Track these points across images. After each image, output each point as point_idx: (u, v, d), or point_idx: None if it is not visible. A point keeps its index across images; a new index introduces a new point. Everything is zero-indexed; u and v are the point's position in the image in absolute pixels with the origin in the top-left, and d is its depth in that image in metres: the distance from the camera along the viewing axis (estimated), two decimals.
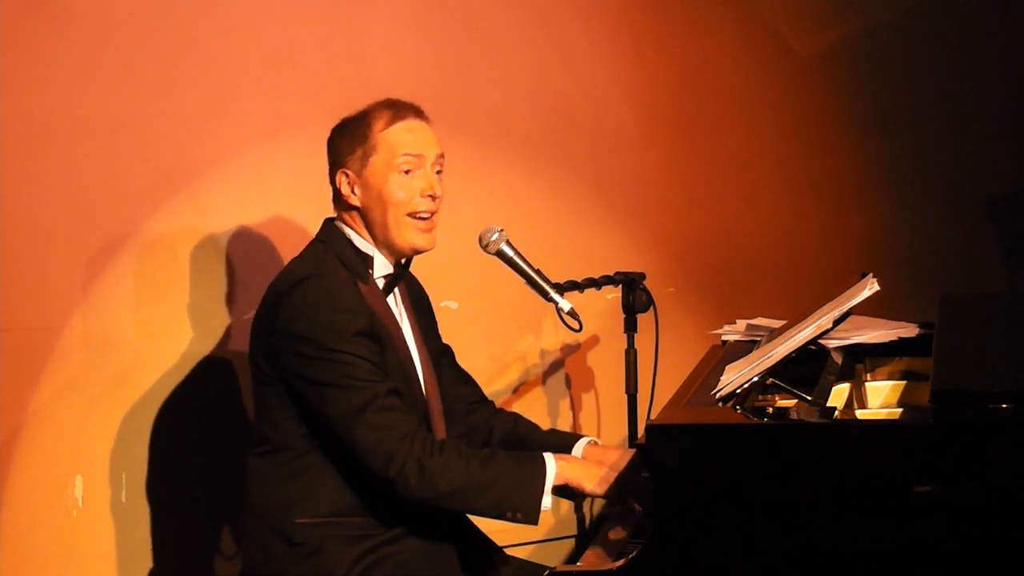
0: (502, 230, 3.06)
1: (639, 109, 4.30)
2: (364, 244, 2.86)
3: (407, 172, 2.83)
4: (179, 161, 3.59)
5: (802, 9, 4.52)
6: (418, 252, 2.89)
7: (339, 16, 3.82)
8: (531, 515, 2.67)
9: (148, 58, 3.53)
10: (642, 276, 3.60)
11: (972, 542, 2.31)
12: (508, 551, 3.05)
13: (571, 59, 4.19)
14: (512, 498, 2.67)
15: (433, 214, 2.85)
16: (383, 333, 2.79)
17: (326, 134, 2.91)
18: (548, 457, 2.72)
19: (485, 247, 3.07)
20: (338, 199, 2.89)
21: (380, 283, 2.87)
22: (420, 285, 3.08)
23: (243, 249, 3.63)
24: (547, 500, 2.68)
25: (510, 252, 3.07)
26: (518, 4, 4.11)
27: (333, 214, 2.92)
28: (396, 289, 2.92)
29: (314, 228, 2.93)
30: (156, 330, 3.56)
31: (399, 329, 2.88)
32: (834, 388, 2.76)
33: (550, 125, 4.17)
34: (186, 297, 3.58)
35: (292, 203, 3.67)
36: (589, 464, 2.78)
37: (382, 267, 2.87)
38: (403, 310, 2.95)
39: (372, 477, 2.69)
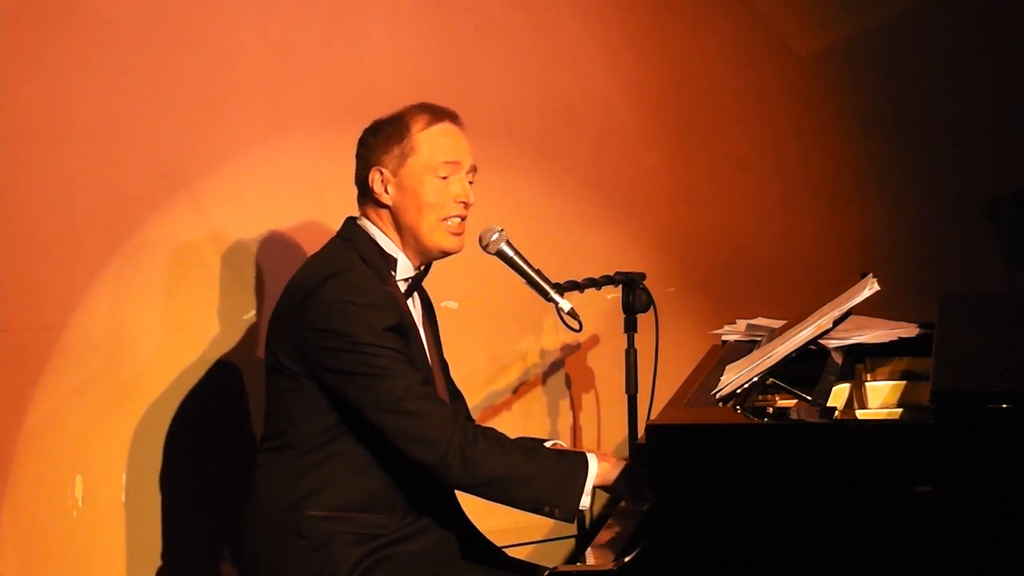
0: (502, 230, 3.06)
1: (639, 109, 4.30)
2: (389, 245, 2.87)
3: (444, 178, 2.84)
4: (179, 161, 3.59)
5: (802, 9, 4.52)
6: (446, 255, 2.90)
7: (339, 16, 3.82)
8: (568, 512, 2.69)
9: (148, 58, 3.53)
10: (642, 276, 3.60)
11: (972, 542, 2.31)
12: (508, 551, 3.04)
13: (571, 59, 4.19)
14: (551, 493, 2.68)
15: (463, 220, 2.87)
16: (409, 328, 2.81)
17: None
18: (591, 457, 2.72)
19: (485, 247, 3.07)
20: (367, 197, 2.88)
21: (402, 286, 2.88)
22: (428, 295, 3.08)
23: (243, 249, 3.63)
24: (586, 500, 2.69)
25: (510, 252, 3.07)
26: (518, 4, 4.11)
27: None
28: (414, 293, 2.93)
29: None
30: (156, 330, 3.56)
31: (418, 332, 2.89)
32: (834, 388, 2.76)
33: (550, 125, 4.17)
34: (187, 297, 3.58)
35: (292, 203, 3.67)
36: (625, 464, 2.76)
37: (405, 269, 2.88)
38: (419, 315, 2.95)
39: (411, 465, 2.69)
